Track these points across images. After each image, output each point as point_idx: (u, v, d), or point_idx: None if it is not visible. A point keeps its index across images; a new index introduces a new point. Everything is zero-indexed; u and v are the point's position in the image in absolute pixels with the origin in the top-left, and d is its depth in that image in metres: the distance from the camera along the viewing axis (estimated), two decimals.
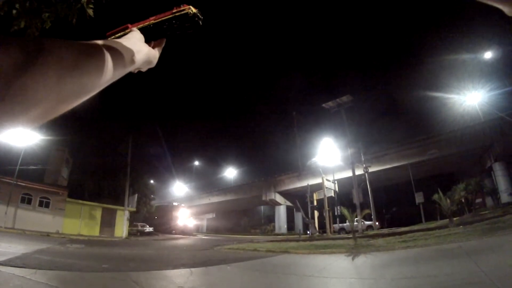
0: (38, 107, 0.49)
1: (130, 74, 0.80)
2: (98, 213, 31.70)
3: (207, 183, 61.97)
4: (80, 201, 30.64)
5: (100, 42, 0.67)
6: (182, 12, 0.90)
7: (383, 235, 19.19)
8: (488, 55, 28.21)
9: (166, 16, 0.91)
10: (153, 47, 0.91)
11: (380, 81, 67.26)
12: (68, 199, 29.47)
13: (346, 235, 23.87)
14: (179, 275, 9.15)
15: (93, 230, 30.32)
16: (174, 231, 43.70)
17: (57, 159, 33.41)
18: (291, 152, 50.83)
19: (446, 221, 20.29)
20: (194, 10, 0.91)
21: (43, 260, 10.35)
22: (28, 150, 26.81)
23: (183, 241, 30.40)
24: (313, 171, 38.86)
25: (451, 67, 38.90)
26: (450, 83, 33.62)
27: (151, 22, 0.91)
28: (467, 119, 32.17)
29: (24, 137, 24.45)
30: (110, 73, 0.65)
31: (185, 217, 46.96)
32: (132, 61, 0.75)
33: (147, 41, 0.88)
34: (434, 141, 33.65)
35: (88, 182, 34.89)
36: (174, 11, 0.91)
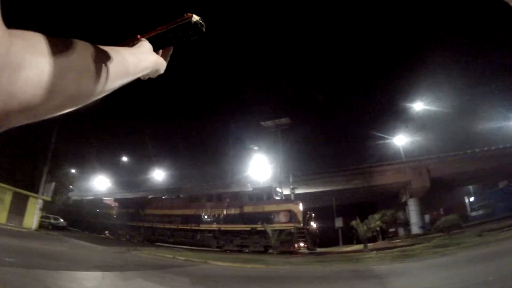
0: (58, 101, 0.55)
1: (139, 80, 0.89)
2: (7, 198, 28.15)
3: (133, 181, 58.85)
4: None
5: (117, 48, 0.75)
6: (186, 21, 0.95)
7: (302, 254, 19.82)
8: (418, 106, 33.94)
9: (171, 25, 0.96)
10: (161, 55, 0.98)
11: (320, 109, 70.36)
12: None
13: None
14: (90, 278, 8.52)
15: None
16: (296, 246, 22.11)
17: None
18: (223, 164, 50.62)
19: (361, 246, 21.55)
20: (196, 18, 0.96)
21: None
22: None
23: None
24: (242, 185, 39.17)
25: (384, 110, 44.20)
26: (381, 123, 38.01)
27: (158, 32, 0.96)
28: (391, 157, 36.96)
29: None
30: (123, 76, 0.73)
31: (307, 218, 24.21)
32: (142, 69, 0.83)
33: (155, 50, 0.94)
34: (359, 172, 36.44)
35: (1, 159, 31.11)
36: (178, 20, 0.96)
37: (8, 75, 0.45)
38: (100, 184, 58.65)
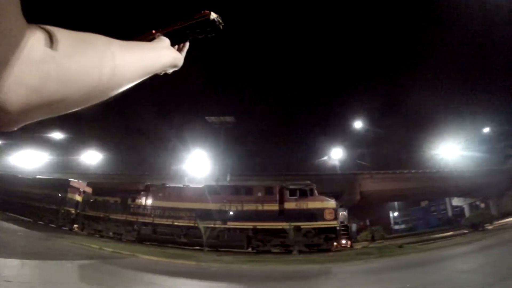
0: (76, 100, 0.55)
1: (157, 75, 0.87)
2: None
3: (63, 162, 53.62)
4: None
5: (138, 43, 0.76)
6: (204, 18, 0.97)
7: (232, 252, 19.79)
8: (358, 124, 37.83)
9: (189, 22, 0.98)
10: (178, 51, 1.00)
11: (266, 113, 71.56)
12: None
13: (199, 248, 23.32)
14: (8, 265, 7.91)
15: None
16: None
17: None
18: (161, 155, 48.78)
19: (291, 249, 22.03)
20: (214, 15, 0.98)
21: None
22: None
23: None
24: (179, 179, 38.29)
25: (326, 123, 47.84)
26: (322, 135, 40.59)
27: (175, 28, 0.98)
28: (327, 168, 38.91)
29: None
30: (144, 72, 0.73)
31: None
32: (161, 64, 0.84)
33: (172, 45, 0.95)
34: (294, 178, 37.72)
35: None
36: (196, 17, 0.98)
37: (29, 70, 0.44)
38: (29, 161, 52.93)
